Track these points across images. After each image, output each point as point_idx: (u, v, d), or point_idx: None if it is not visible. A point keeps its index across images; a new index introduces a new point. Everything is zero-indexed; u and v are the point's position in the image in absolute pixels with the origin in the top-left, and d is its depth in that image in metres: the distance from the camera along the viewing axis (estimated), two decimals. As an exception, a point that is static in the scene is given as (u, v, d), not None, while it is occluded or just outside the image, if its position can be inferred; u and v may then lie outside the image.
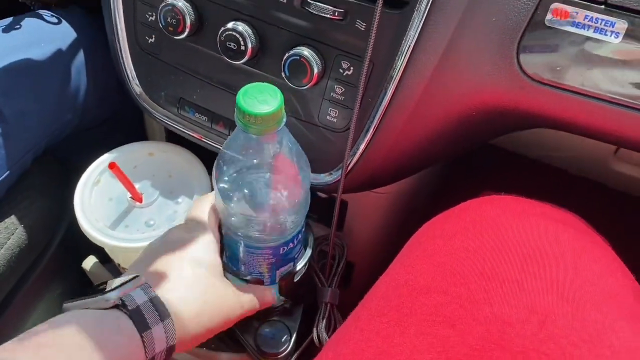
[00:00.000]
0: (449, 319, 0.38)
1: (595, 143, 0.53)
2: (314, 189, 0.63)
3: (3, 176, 0.63)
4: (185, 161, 0.66)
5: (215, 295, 0.49)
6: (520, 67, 0.48)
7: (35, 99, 0.64)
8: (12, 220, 0.67)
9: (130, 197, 0.62)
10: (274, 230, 0.51)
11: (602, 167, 0.76)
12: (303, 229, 0.56)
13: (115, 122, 0.80)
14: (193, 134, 0.62)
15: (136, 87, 0.63)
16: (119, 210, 0.62)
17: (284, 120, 0.44)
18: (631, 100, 0.46)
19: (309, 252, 0.60)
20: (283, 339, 0.60)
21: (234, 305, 0.51)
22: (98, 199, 0.63)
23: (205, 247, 0.51)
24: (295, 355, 0.60)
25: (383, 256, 0.79)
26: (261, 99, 0.42)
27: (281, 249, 0.53)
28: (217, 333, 0.50)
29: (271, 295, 0.56)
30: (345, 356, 0.40)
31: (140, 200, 0.62)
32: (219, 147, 0.61)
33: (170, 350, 0.44)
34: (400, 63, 0.49)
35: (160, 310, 0.44)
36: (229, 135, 0.60)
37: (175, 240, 0.51)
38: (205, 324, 0.48)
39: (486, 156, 0.81)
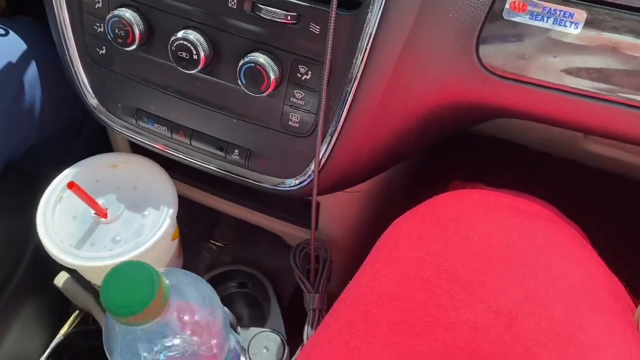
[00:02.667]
0: (415, 327, 0.37)
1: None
2: (284, 195, 0.62)
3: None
4: (149, 172, 0.64)
5: None
6: (481, 62, 0.47)
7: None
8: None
9: (95, 214, 0.60)
10: None
11: (575, 147, 0.75)
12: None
13: (79, 131, 0.77)
14: (154, 145, 0.60)
15: (92, 99, 0.61)
16: (84, 228, 0.61)
17: (167, 301, 0.37)
18: (594, 91, 0.45)
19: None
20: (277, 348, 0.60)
21: None
22: (62, 217, 0.61)
23: None
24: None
25: (359, 253, 0.79)
26: (130, 290, 0.34)
27: None
28: None
29: None
30: None
31: (105, 216, 0.61)
32: (181, 156, 0.60)
33: None
34: (359, 64, 0.48)
35: None
36: (190, 144, 0.58)
37: None
38: None
39: (458, 141, 0.80)
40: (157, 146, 0.60)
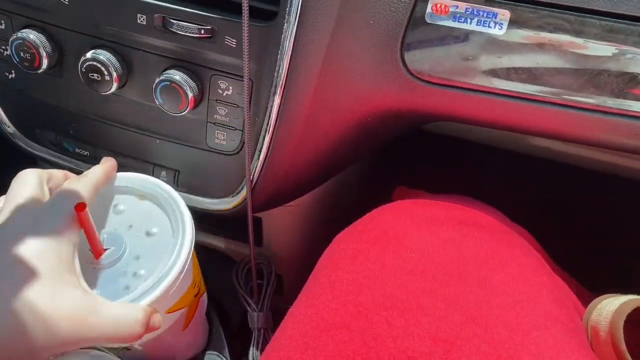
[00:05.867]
0: (352, 359, 0.35)
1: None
2: (219, 215, 0.59)
3: None
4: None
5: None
6: (407, 68, 0.45)
7: None
8: None
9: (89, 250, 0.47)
10: None
11: (521, 141, 0.75)
12: None
13: None
14: (77, 168, 0.57)
15: (8, 128, 0.57)
16: None
17: None
18: (524, 92, 0.44)
19: None
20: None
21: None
22: None
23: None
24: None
25: (311, 265, 0.77)
26: None
27: None
28: None
29: (158, 321, 0.43)
30: None
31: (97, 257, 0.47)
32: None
33: None
34: (281, 76, 0.45)
35: None
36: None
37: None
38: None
39: (406, 140, 0.78)
40: (81, 170, 0.57)
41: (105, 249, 0.47)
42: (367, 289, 0.39)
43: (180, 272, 0.46)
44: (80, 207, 0.41)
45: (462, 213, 0.46)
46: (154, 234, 0.48)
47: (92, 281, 0.46)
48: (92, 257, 0.46)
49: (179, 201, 0.48)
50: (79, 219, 0.42)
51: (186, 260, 0.46)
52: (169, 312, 0.50)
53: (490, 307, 0.37)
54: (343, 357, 0.36)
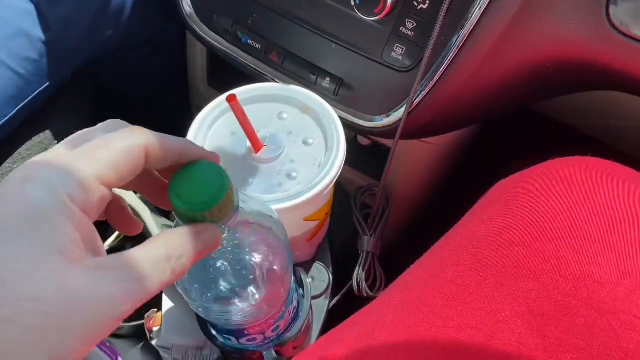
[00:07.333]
0: (533, 273, 0.35)
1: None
2: (364, 133, 0.61)
3: (42, 87, 0.61)
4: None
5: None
6: (609, 19, 0.45)
7: (79, 7, 0.61)
8: (46, 135, 0.65)
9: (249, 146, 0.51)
10: (258, 312, 0.42)
11: None
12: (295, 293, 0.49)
13: (155, 46, 0.77)
14: (243, 61, 0.59)
15: (187, 7, 0.60)
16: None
17: (236, 203, 0.33)
18: None
19: (306, 304, 0.53)
20: (323, 280, 0.59)
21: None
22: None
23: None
24: (336, 299, 0.59)
25: (419, 211, 0.78)
26: (199, 188, 0.31)
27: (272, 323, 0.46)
28: None
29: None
30: (413, 301, 0.38)
31: (257, 151, 0.51)
32: (268, 76, 0.59)
33: None
34: (482, 2, 0.46)
35: None
36: (281, 65, 0.57)
37: None
38: None
39: (526, 123, 0.78)
40: (246, 62, 0.59)
41: (265, 146, 0.51)
42: (552, 219, 0.38)
43: (328, 185, 0.49)
44: (231, 97, 0.46)
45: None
46: (310, 144, 0.52)
47: (249, 173, 0.50)
48: (252, 151, 0.51)
49: (337, 122, 0.52)
50: (232, 109, 0.46)
51: (335, 176, 0.50)
52: (306, 220, 0.54)
53: None
54: (521, 268, 0.36)
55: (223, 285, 0.38)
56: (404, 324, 0.38)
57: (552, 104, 0.62)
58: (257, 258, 0.39)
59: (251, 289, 0.39)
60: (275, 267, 0.40)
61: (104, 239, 0.77)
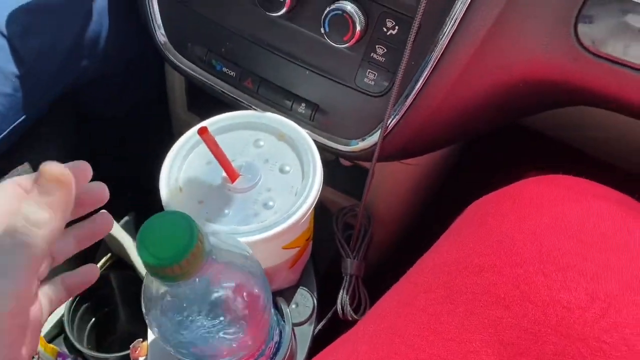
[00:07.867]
0: (502, 300, 0.36)
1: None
2: (342, 157, 0.61)
3: (18, 121, 0.60)
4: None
5: None
6: (577, 38, 0.45)
7: (53, 40, 0.61)
8: (24, 168, 0.65)
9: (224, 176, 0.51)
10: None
11: None
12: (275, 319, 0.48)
13: (134, 72, 0.77)
14: (219, 88, 0.59)
15: (161, 36, 0.60)
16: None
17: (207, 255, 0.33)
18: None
19: (287, 335, 0.52)
20: (307, 306, 0.58)
21: None
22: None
23: None
24: (321, 324, 0.59)
25: (402, 231, 0.78)
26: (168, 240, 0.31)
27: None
28: None
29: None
30: (386, 330, 0.38)
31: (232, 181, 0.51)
32: (245, 104, 0.59)
33: None
34: (450, 26, 0.46)
35: None
36: (256, 92, 0.57)
37: None
38: None
39: (510, 136, 0.78)
40: (221, 90, 0.59)
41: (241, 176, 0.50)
42: (521, 243, 0.38)
43: (305, 213, 0.49)
44: (202, 130, 0.46)
45: (614, 194, 0.45)
46: (286, 171, 0.52)
47: (225, 203, 0.50)
48: (228, 181, 0.50)
49: (313, 148, 0.52)
50: (204, 141, 0.46)
51: (312, 203, 0.50)
52: (285, 248, 0.54)
53: None
54: (492, 296, 0.36)
55: (199, 334, 0.38)
56: (377, 355, 0.38)
57: (536, 116, 0.62)
58: (230, 302, 0.38)
59: (226, 334, 0.39)
60: (249, 309, 0.39)
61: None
